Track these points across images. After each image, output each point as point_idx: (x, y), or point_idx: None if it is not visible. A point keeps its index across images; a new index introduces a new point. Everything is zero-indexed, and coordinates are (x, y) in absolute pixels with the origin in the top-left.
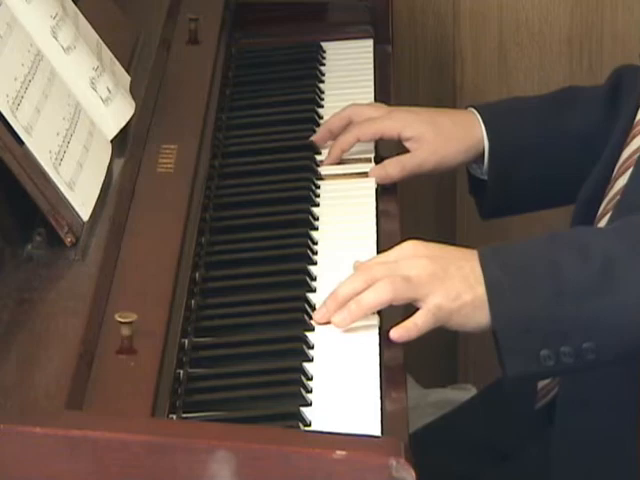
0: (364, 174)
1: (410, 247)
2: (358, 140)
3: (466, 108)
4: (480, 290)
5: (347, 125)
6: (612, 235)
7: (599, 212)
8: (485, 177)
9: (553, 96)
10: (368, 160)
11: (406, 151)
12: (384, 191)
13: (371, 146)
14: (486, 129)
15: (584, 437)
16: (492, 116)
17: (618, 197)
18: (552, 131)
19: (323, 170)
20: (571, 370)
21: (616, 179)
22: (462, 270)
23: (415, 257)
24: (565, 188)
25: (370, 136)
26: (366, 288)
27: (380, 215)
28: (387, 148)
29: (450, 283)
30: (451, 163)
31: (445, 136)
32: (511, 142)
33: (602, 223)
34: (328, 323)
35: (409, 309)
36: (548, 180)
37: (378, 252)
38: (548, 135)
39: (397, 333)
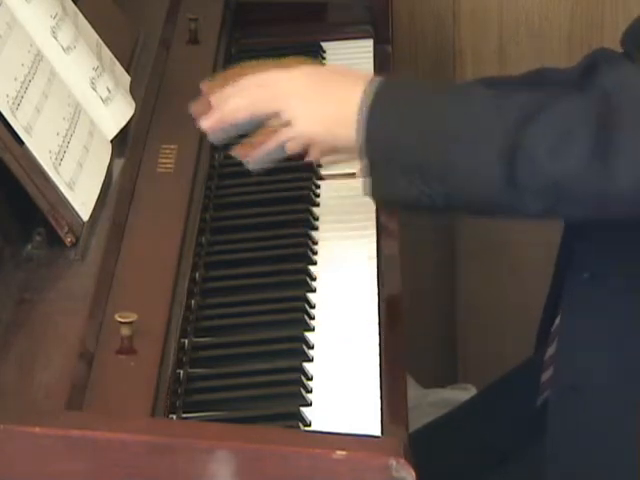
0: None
1: (297, 68)
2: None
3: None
4: (348, 109)
5: None
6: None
7: None
8: None
9: (526, 76)
10: None
11: None
12: None
13: None
14: None
15: (578, 423)
16: None
17: None
18: None
19: (323, 170)
20: (423, 207)
21: None
22: (338, 88)
23: (293, 73)
24: None
25: None
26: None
27: (380, 214)
28: None
29: (316, 99)
30: None
31: None
32: None
33: None
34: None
35: (409, 311)
36: None
37: (378, 252)
38: None
39: (239, 151)
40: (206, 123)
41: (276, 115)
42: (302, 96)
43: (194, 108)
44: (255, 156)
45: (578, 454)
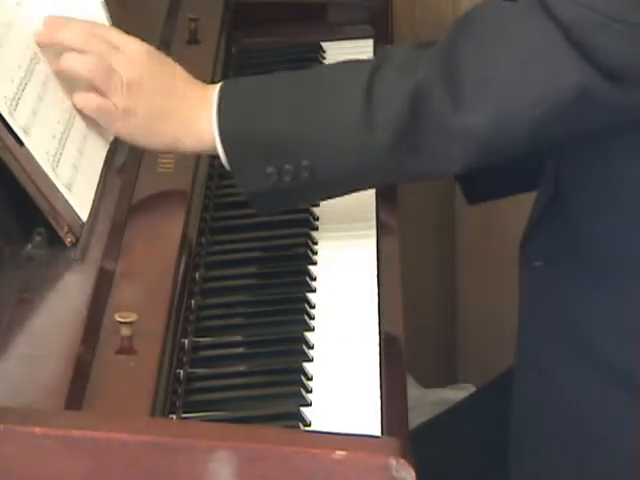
0: None
1: (139, 51)
2: None
3: None
4: (189, 109)
5: None
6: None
7: None
8: None
9: None
10: None
11: None
12: (384, 190)
13: None
14: None
15: (542, 405)
16: None
17: None
18: None
19: None
20: (295, 190)
21: None
22: (176, 88)
23: (135, 64)
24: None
25: None
26: (79, 49)
27: (380, 214)
28: None
29: (143, 99)
30: None
31: None
32: None
33: None
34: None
35: (409, 311)
36: (528, 163)
37: (378, 252)
38: None
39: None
40: (41, 37)
41: (104, 92)
42: (131, 91)
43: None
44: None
45: (543, 437)
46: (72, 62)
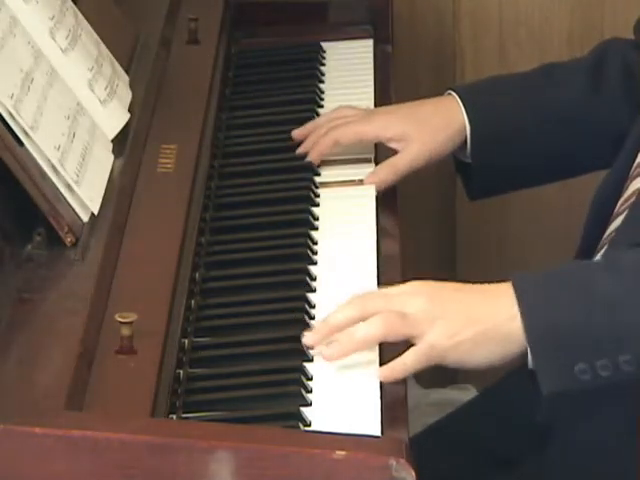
0: (360, 181)
1: (411, 284)
2: (337, 144)
3: (446, 91)
4: (482, 325)
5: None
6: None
7: (615, 210)
8: (469, 160)
9: (534, 73)
10: (368, 160)
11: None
12: (384, 191)
13: (371, 147)
14: (467, 113)
15: (583, 450)
16: (472, 99)
17: (633, 199)
18: (534, 110)
19: (320, 178)
20: (610, 383)
21: (632, 179)
22: (464, 306)
23: (414, 294)
24: (550, 166)
25: (349, 139)
26: (360, 318)
27: (380, 214)
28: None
29: (447, 320)
30: (442, 153)
31: (429, 128)
32: (492, 124)
33: (615, 224)
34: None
35: None
36: (532, 160)
37: (378, 252)
38: (530, 114)
39: (383, 373)
40: (330, 354)
41: (411, 339)
42: (434, 317)
43: (314, 341)
44: (399, 374)
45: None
46: (364, 332)
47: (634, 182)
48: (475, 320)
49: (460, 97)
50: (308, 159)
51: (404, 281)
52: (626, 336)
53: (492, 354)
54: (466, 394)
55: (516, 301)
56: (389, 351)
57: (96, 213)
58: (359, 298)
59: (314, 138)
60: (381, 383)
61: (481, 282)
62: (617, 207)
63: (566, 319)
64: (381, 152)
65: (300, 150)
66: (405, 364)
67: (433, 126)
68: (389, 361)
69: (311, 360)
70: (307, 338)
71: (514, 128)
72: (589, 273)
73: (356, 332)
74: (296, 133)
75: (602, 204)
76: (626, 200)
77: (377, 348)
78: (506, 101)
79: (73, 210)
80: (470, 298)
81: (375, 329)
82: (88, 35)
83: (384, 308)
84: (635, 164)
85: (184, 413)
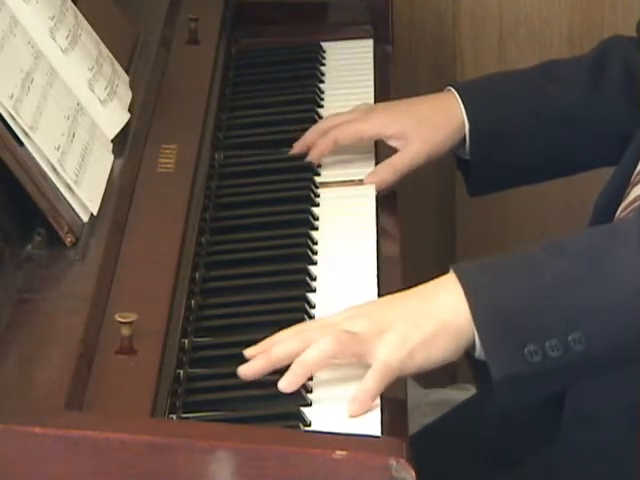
0: (360, 181)
1: (347, 310)
2: (336, 143)
3: (446, 88)
4: (429, 325)
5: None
6: (588, 232)
7: (616, 216)
8: (468, 157)
9: (534, 70)
10: (368, 160)
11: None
12: (384, 191)
13: (371, 147)
14: (465, 110)
15: (583, 450)
16: (471, 96)
17: (638, 202)
18: (532, 107)
19: (320, 178)
20: (560, 366)
21: (633, 185)
22: (406, 311)
23: (354, 317)
24: (548, 164)
25: (348, 138)
26: (303, 348)
27: (380, 214)
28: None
29: (394, 331)
30: (441, 151)
31: (429, 126)
32: (491, 122)
33: None
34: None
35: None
36: (531, 157)
37: (378, 252)
38: (529, 112)
39: (352, 409)
40: (288, 386)
41: (361, 358)
42: (381, 332)
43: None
44: (367, 404)
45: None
46: (314, 353)
47: (635, 188)
48: (421, 322)
49: (459, 94)
50: (308, 159)
51: (404, 282)
52: (575, 314)
53: (447, 351)
54: (466, 394)
55: (461, 289)
56: None
57: (95, 214)
58: (299, 329)
59: (314, 138)
60: None
61: None
62: (618, 212)
63: (513, 301)
64: (381, 152)
65: (297, 150)
66: (368, 390)
67: (433, 124)
68: None
69: None
70: (247, 369)
71: (513, 126)
72: (533, 255)
73: (306, 357)
74: (297, 148)
75: (604, 210)
76: (627, 206)
77: None
78: (506, 98)
79: (73, 210)
80: (410, 302)
81: (325, 347)
82: (88, 35)
83: (327, 332)
84: (636, 171)
85: (184, 413)
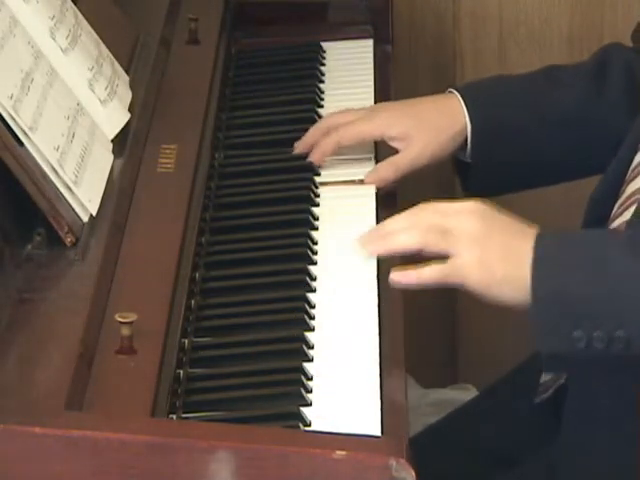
0: (360, 181)
1: (469, 204)
2: (339, 144)
3: (447, 89)
4: (514, 269)
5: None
6: None
7: (613, 213)
8: (468, 160)
9: (536, 75)
10: (368, 160)
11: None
12: (384, 190)
13: (371, 147)
14: (468, 112)
15: (590, 447)
16: (473, 98)
17: (634, 198)
18: (534, 112)
19: (320, 178)
20: (601, 356)
21: (629, 182)
22: (507, 243)
23: (469, 213)
24: (549, 169)
25: (351, 139)
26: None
27: (380, 214)
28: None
29: (488, 250)
30: (443, 153)
31: (431, 128)
32: (494, 125)
33: (615, 224)
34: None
35: (409, 311)
36: (532, 161)
37: None
38: (530, 116)
39: (396, 277)
40: (371, 249)
41: (444, 256)
42: (475, 242)
43: (363, 240)
44: (411, 281)
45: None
46: (403, 239)
47: (631, 184)
48: (510, 260)
49: (462, 96)
50: (310, 160)
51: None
52: (627, 313)
53: (504, 296)
54: (466, 394)
55: (532, 259)
56: (389, 351)
57: (94, 214)
58: (414, 211)
59: (316, 137)
60: (381, 383)
61: None
62: (615, 209)
63: (574, 286)
64: (381, 152)
65: (299, 149)
66: (422, 273)
67: (436, 126)
68: (388, 360)
69: (311, 360)
70: (359, 240)
71: (515, 129)
72: (607, 244)
73: (394, 237)
74: (299, 147)
75: (598, 207)
76: (623, 202)
77: (377, 348)
78: (508, 102)
79: (73, 210)
80: (513, 239)
81: (412, 238)
82: (88, 35)
83: (432, 222)
84: (631, 167)
85: (184, 413)
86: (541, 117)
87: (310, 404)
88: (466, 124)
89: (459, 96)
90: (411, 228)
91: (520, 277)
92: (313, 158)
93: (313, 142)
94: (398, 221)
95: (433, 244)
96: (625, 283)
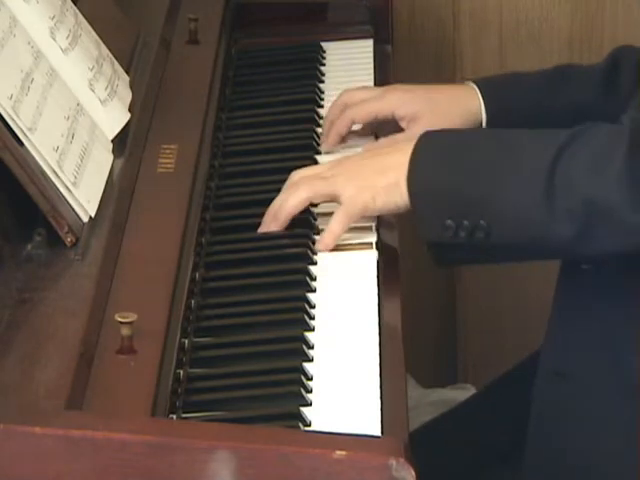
0: None
1: (331, 162)
2: (353, 122)
3: (463, 81)
4: (394, 177)
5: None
6: (536, 135)
7: None
8: None
9: (551, 72)
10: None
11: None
12: None
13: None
14: (484, 103)
15: (583, 449)
16: (491, 90)
17: None
18: (548, 106)
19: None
20: (469, 246)
21: None
22: (381, 161)
23: (334, 165)
24: None
25: (364, 117)
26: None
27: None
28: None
29: (363, 173)
30: None
31: (442, 114)
32: (508, 118)
33: None
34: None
35: (409, 311)
36: None
37: (378, 252)
38: (544, 110)
39: (321, 246)
40: (274, 225)
41: (333, 198)
42: (350, 173)
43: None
44: (328, 239)
45: (561, 440)
46: (293, 200)
47: None
48: (386, 171)
49: (479, 88)
50: (325, 141)
51: (403, 281)
52: (486, 203)
53: (404, 199)
54: (466, 394)
55: (409, 160)
56: (389, 351)
57: (93, 215)
58: (291, 178)
59: (335, 114)
60: (381, 383)
61: (481, 281)
62: None
63: (446, 176)
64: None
65: (326, 129)
66: (331, 227)
67: (447, 113)
68: (388, 360)
69: (311, 360)
70: (260, 229)
71: (528, 122)
72: (481, 136)
73: (285, 201)
74: (325, 127)
75: None
76: None
77: (377, 348)
78: (523, 97)
79: (73, 210)
80: (387, 155)
81: (301, 196)
82: (88, 35)
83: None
84: None
85: (184, 413)
86: (553, 116)
87: (310, 404)
88: (479, 114)
89: (476, 88)
90: (295, 189)
91: (399, 182)
92: (328, 138)
93: (334, 118)
94: (282, 193)
95: (318, 189)
96: (488, 172)
